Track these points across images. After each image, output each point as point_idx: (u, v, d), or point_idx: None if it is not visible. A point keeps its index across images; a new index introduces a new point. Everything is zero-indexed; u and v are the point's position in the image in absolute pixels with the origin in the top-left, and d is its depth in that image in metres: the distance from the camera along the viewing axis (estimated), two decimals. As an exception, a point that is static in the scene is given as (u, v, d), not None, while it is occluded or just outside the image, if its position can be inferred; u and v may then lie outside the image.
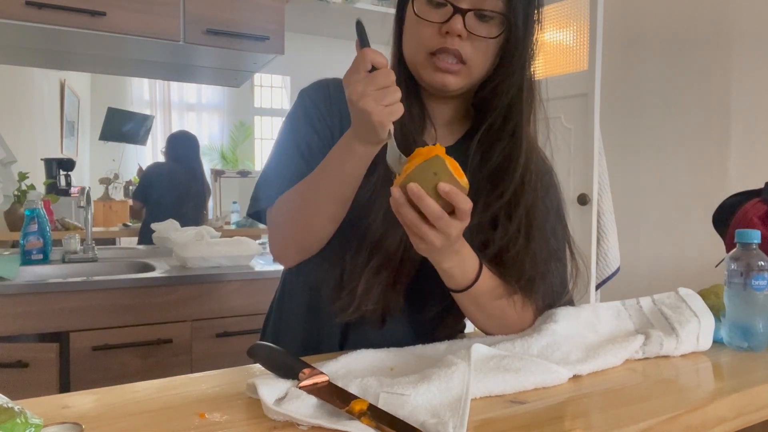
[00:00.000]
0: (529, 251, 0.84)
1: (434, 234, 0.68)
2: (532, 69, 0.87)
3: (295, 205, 0.84)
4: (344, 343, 0.93)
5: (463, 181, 0.67)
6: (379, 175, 0.84)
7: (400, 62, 0.90)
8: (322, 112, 0.91)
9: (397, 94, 0.70)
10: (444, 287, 0.85)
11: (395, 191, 0.67)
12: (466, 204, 0.67)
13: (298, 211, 0.84)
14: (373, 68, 0.71)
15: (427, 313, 0.91)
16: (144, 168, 2.65)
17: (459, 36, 0.80)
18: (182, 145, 2.67)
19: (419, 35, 0.83)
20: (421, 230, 0.68)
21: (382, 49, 0.92)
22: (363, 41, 0.73)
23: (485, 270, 0.81)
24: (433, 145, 0.68)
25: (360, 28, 0.74)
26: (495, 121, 0.88)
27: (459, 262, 0.77)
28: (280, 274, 1.06)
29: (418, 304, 0.91)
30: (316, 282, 0.90)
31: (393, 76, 0.70)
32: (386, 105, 0.69)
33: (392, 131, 0.71)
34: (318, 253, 0.89)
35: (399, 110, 0.70)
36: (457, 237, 0.71)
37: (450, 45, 0.81)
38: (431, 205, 0.66)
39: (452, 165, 0.66)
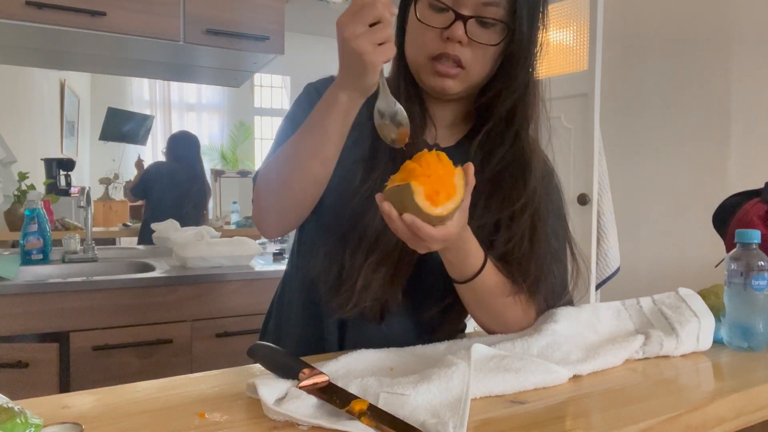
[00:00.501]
0: (533, 254, 0.84)
1: (417, 244, 0.70)
2: (536, 72, 0.87)
3: (277, 166, 0.83)
4: (343, 341, 0.93)
5: (442, 207, 0.67)
6: (378, 171, 0.84)
7: (401, 63, 0.90)
8: None
9: (389, 33, 0.68)
10: (445, 285, 0.85)
11: (384, 205, 0.68)
12: (430, 238, 0.67)
13: (279, 172, 0.82)
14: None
15: (427, 311, 0.91)
16: (143, 159, 2.64)
17: (459, 42, 0.80)
18: (183, 145, 2.67)
19: (421, 39, 0.84)
20: (409, 241, 0.70)
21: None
22: None
23: (490, 265, 0.81)
24: (431, 147, 0.68)
25: None
26: (497, 124, 0.88)
27: (463, 255, 0.78)
28: (280, 274, 1.06)
29: (418, 302, 0.91)
30: (315, 278, 0.90)
31: (387, 12, 0.68)
32: (378, 44, 0.68)
33: (383, 74, 0.71)
34: (317, 250, 0.89)
35: (391, 50, 0.69)
36: (444, 244, 0.71)
37: (450, 50, 0.81)
38: (399, 229, 0.67)
39: (434, 187, 0.66)
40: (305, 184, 0.81)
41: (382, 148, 0.85)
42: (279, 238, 0.89)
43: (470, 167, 0.70)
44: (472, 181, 0.70)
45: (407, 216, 0.66)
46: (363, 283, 0.83)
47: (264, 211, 0.86)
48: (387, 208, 0.66)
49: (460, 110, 0.94)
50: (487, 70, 0.85)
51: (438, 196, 0.66)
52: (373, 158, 0.86)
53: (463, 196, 0.68)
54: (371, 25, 0.67)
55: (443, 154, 0.69)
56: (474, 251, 0.79)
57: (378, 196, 0.69)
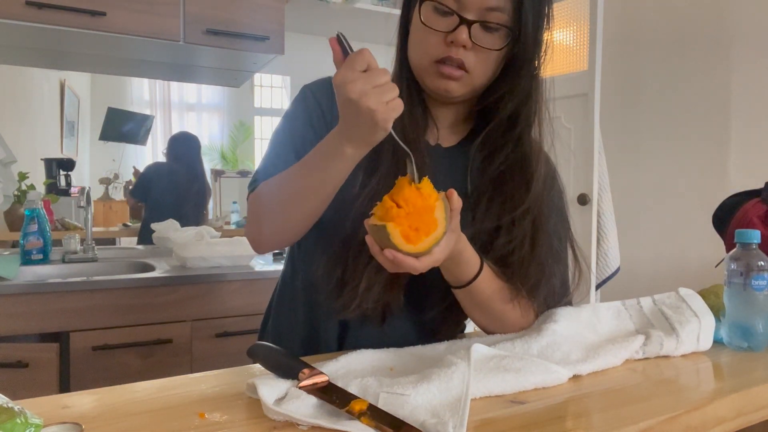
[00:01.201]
0: (533, 256, 0.84)
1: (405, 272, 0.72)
2: (540, 77, 0.87)
3: (275, 196, 0.84)
4: (343, 342, 0.93)
5: (420, 245, 0.68)
6: (380, 175, 0.85)
7: (403, 64, 0.90)
8: (322, 109, 0.92)
9: (396, 90, 0.69)
10: (445, 286, 0.85)
11: (367, 239, 0.70)
12: (414, 270, 0.70)
13: (277, 203, 0.83)
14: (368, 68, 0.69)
15: (428, 313, 0.91)
16: (139, 169, 2.64)
17: (463, 46, 0.80)
18: (183, 146, 2.67)
19: (425, 42, 0.84)
20: (397, 271, 0.71)
21: (383, 49, 0.92)
22: (345, 51, 0.71)
23: (486, 270, 0.81)
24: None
25: (342, 38, 0.72)
26: (499, 125, 0.88)
27: (456, 264, 0.79)
28: (279, 274, 1.06)
29: (418, 303, 0.91)
30: (317, 280, 0.90)
31: (389, 74, 0.70)
32: (387, 102, 0.68)
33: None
34: (319, 252, 0.89)
35: (400, 106, 0.69)
36: (436, 263, 0.72)
37: (454, 54, 0.81)
38: (383, 262, 0.70)
39: (415, 223, 0.68)
40: (303, 216, 0.83)
41: (384, 152, 0.85)
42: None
43: (453, 193, 0.71)
44: (458, 204, 0.71)
45: (388, 252, 0.68)
46: (366, 285, 0.84)
47: (259, 234, 0.88)
48: (370, 242, 0.69)
49: (462, 111, 0.94)
50: (490, 74, 0.85)
51: (417, 233, 0.68)
52: (374, 162, 0.86)
53: (445, 228, 0.70)
54: (376, 85, 0.67)
55: (425, 184, 0.70)
56: (469, 259, 0.79)
57: (366, 222, 0.70)
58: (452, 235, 0.72)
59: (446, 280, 0.83)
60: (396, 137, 0.72)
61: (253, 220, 0.88)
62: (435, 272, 0.84)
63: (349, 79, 0.66)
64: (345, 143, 0.73)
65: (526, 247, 0.84)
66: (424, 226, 0.68)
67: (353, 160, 0.75)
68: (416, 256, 0.68)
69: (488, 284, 0.82)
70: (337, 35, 0.71)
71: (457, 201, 0.71)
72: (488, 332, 0.89)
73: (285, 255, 1.06)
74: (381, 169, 0.85)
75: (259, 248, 0.90)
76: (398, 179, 0.72)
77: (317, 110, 0.91)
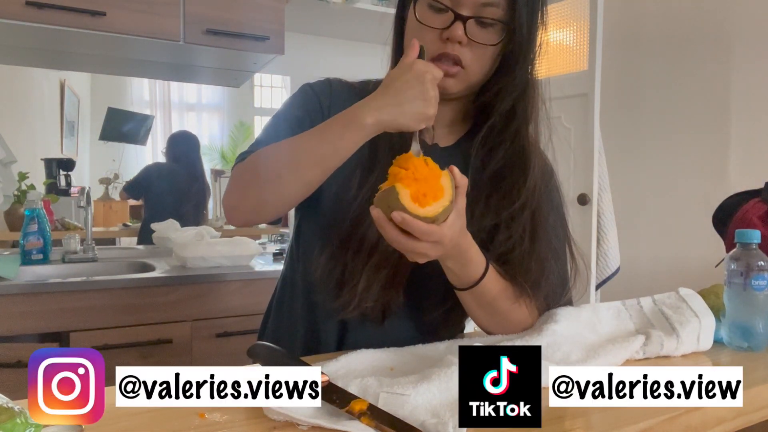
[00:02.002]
0: (533, 251, 0.84)
1: (412, 253, 0.70)
2: (535, 71, 0.87)
3: (272, 161, 0.81)
4: (343, 342, 0.93)
5: (430, 208, 0.67)
6: (378, 173, 0.85)
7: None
8: (321, 104, 0.92)
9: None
10: (446, 287, 0.85)
11: (373, 211, 0.69)
12: (424, 233, 0.67)
13: (274, 168, 0.80)
14: None
15: (428, 314, 0.91)
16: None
17: (459, 42, 0.81)
18: (182, 145, 2.67)
19: (420, 40, 0.83)
20: (401, 247, 0.70)
21: (383, 49, 0.92)
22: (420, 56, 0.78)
23: (492, 271, 0.81)
24: (430, 147, 0.69)
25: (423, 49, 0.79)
26: (497, 123, 0.88)
27: (464, 262, 0.78)
28: (279, 274, 1.06)
29: (419, 304, 0.91)
30: (316, 280, 0.90)
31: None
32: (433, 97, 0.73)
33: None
34: (318, 252, 0.89)
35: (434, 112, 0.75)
36: (440, 252, 0.71)
37: (450, 50, 0.81)
38: (389, 232, 0.68)
39: (421, 189, 0.67)
40: (298, 185, 0.79)
41: (381, 151, 0.85)
42: (246, 227, 0.88)
43: (455, 169, 0.70)
44: (462, 181, 0.70)
45: (396, 213, 0.66)
46: (365, 285, 0.84)
47: (242, 199, 0.84)
48: (376, 213, 0.67)
49: (459, 110, 0.94)
50: (486, 70, 0.85)
51: (425, 198, 0.67)
52: (372, 161, 0.86)
53: (452, 197, 0.68)
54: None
55: (429, 159, 0.70)
56: (475, 259, 0.78)
57: (371, 207, 0.69)
58: (459, 220, 0.71)
59: (452, 283, 0.82)
60: (416, 144, 0.74)
61: (239, 187, 0.84)
62: (435, 272, 0.84)
63: (421, 63, 0.74)
64: (369, 112, 0.73)
65: (526, 243, 0.84)
66: (431, 192, 0.67)
67: (368, 134, 0.74)
68: (428, 221, 0.67)
69: (494, 284, 0.81)
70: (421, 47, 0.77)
71: (461, 177, 0.70)
72: (490, 334, 0.89)
73: (285, 255, 1.07)
74: (378, 167, 0.85)
75: (238, 217, 0.85)
76: (402, 155, 0.71)
77: (316, 104, 0.92)
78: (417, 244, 0.68)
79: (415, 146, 0.73)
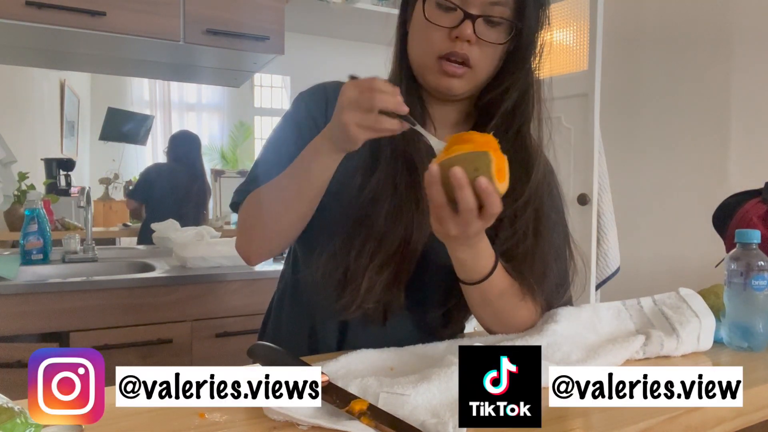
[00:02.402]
0: (537, 248, 0.84)
1: (454, 223, 0.68)
2: (537, 71, 0.87)
3: (262, 206, 0.86)
4: (343, 343, 0.93)
5: (502, 185, 0.65)
6: (379, 175, 0.85)
7: (402, 64, 0.90)
8: (314, 118, 0.92)
9: (381, 120, 0.70)
10: (447, 288, 0.85)
11: (433, 167, 0.66)
12: (494, 207, 0.66)
13: (266, 211, 0.85)
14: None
15: (429, 314, 0.91)
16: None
17: (468, 41, 0.81)
18: (183, 145, 2.67)
19: (428, 39, 0.84)
20: (443, 213, 0.68)
21: (383, 49, 0.92)
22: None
23: (500, 268, 0.81)
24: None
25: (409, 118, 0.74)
26: (500, 123, 0.88)
27: (473, 255, 0.77)
28: (279, 274, 1.06)
29: (420, 304, 0.91)
30: (317, 281, 0.90)
31: (384, 106, 0.70)
32: (361, 124, 0.70)
33: (416, 125, 0.72)
34: (319, 252, 0.89)
35: (375, 133, 0.72)
36: (475, 233, 0.70)
37: (459, 49, 0.81)
38: (467, 197, 0.64)
39: (498, 165, 0.65)
40: (294, 219, 0.85)
41: (383, 152, 0.85)
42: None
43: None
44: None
45: (484, 180, 0.63)
46: (367, 286, 0.84)
47: (249, 243, 0.90)
48: (460, 173, 0.63)
49: (462, 110, 0.94)
50: (492, 69, 0.86)
51: (501, 172, 0.65)
52: (373, 163, 0.86)
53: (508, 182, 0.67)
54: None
55: (495, 140, 0.68)
56: (486, 251, 0.78)
57: (435, 167, 0.65)
58: None
59: (460, 277, 0.81)
60: (427, 135, 0.73)
61: (243, 232, 0.90)
62: (436, 272, 0.84)
63: (343, 101, 0.71)
64: (326, 142, 0.76)
65: (530, 239, 0.84)
66: (501, 171, 0.65)
67: (332, 161, 0.78)
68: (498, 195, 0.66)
69: (501, 280, 0.81)
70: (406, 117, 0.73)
71: None
72: (492, 332, 0.89)
73: (285, 255, 1.07)
74: (380, 169, 0.85)
75: (250, 260, 0.91)
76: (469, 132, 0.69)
77: (308, 120, 0.92)
78: (476, 219, 0.67)
79: (434, 140, 0.72)
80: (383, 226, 0.84)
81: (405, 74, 0.89)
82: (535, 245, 0.84)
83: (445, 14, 0.82)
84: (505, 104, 0.87)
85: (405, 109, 0.71)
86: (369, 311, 0.86)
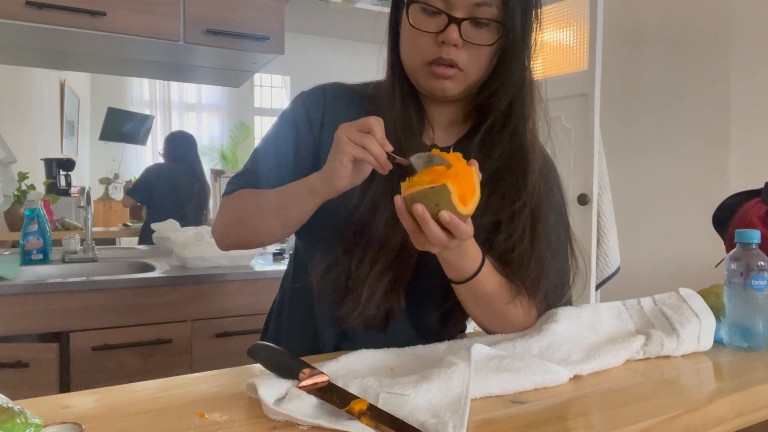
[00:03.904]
0: (533, 251, 0.84)
1: (431, 245, 0.71)
2: (531, 69, 0.87)
3: (248, 208, 0.89)
4: (343, 347, 0.93)
5: (470, 206, 0.68)
6: (377, 182, 0.84)
7: (395, 66, 0.89)
8: (311, 119, 0.93)
9: (366, 168, 0.75)
10: (444, 288, 0.85)
11: (397, 200, 0.69)
12: (463, 235, 0.69)
13: (247, 215, 0.89)
14: None
15: (428, 315, 0.91)
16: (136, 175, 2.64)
17: (455, 45, 0.80)
18: (180, 145, 2.67)
19: (415, 44, 0.83)
20: (418, 239, 0.71)
21: (377, 48, 0.92)
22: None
23: (489, 266, 0.81)
24: (429, 149, 0.69)
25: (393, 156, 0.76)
26: (495, 122, 0.88)
27: (458, 255, 0.78)
28: (279, 274, 1.06)
29: (417, 306, 0.91)
30: (318, 289, 0.90)
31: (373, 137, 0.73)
32: (342, 159, 0.73)
33: (408, 160, 0.74)
34: (319, 261, 0.89)
35: (356, 179, 0.76)
36: (456, 246, 0.72)
37: (446, 55, 0.81)
38: (433, 230, 0.68)
39: (462, 188, 0.67)
40: (263, 234, 0.89)
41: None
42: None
43: (476, 164, 0.72)
44: (479, 179, 0.71)
45: (445, 214, 0.66)
46: (368, 294, 0.84)
47: (224, 235, 0.94)
48: (420, 210, 0.66)
49: (458, 110, 0.93)
50: (483, 70, 0.85)
51: (465, 196, 0.67)
52: (372, 172, 0.86)
53: (480, 195, 0.69)
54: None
55: (459, 154, 0.70)
56: (472, 251, 0.79)
57: (398, 199, 0.69)
58: None
59: (448, 275, 0.82)
60: (414, 163, 0.74)
61: (223, 222, 0.94)
62: (432, 273, 0.84)
63: (347, 131, 0.74)
64: (316, 179, 0.79)
65: (526, 242, 0.84)
66: (468, 190, 0.68)
67: (318, 198, 0.80)
68: (464, 219, 0.68)
69: (490, 279, 0.81)
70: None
71: (479, 173, 0.72)
72: (489, 332, 0.89)
73: (288, 257, 1.07)
74: (378, 177, 0.85)
75: (222, 247, 0.97)
76: (434, 151, 0.72)
77: (306, 120, 0.93)
78: (451, 241, 0.70)
79: (418, 160, 0.73)
80: (383, 234, 0.84)
81: (399, 77, 0.89)
82: (532, 247, 0.84)
83: (430, 19, 0.81)
84: (499, 104, 0.86)
85: (389, 148, 0.74)
86: (370, 318, 0.86)
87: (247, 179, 0.93)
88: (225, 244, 0.95)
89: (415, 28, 0.82)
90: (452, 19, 0.79)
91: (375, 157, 0.72)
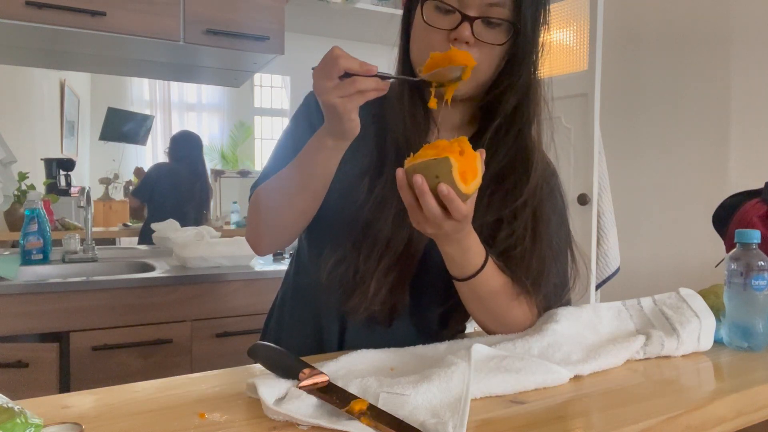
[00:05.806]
0: (535, 249, 0.84)
1: (427, 224, 0.70)
2: (538, 71, 0.87)
3: (269, 198, 0.88)
4: (343, 345, 0.93)
5: (472, 185, 0.67)
6: (385, 178, 0.85)
7: (405, 65, 0.90)
8: (322, 117, 0.92)
9: (357, 82, 0.70)
10: (446, 286, 0.85)
11: (399, 172, 0.69)
12: (458, 212, 0.68)
13: (272, 204, 0.87)
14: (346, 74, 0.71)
15: (430, 313, 0.91)
16: (143, 169, 2.64)
17: (467, 43, 0.81)
18: (185, 145, 2.67)
19: (427, 41, 0.84)
20: (415, 214, 0.70)
21: (384, 49, 0.92)
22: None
23: (491, 265, 0.81)
24: (456, 138, 0.69)
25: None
26: (502, 124, 0.88)
27: (461, 251, 0.78)
28: (280, 274, 1.06)
29: (420, 303, 0.91)
30: (325, 283, 0.90)
31: (349, 63, 0.70)
32: (344, 95, 0.70)
33: (391, 77, 0.73)
34: (327, 255, 0.89)
35: (360, 98, 0.71)
36: (453, 231, 0.71)
37: None
38: (430, 203, 0.67)
39: (464, 166, 0.67)
40: (296, 215, 0.87)
41: (388, 155, 0.86)
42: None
43: (484, 153, 0.72)
44: (483, 168, 0.71)
45: (444, 186, 0.66)
46: (375, 288, 0.85)
47: (258, 236, 0.93)
48: (420, 180, 0.66)
49: (465, 112, 0.94)
50: (493, 69, 0.86)
51: (466, 175, 0.67)
52: (380, 165, 0.86)
53: (481, 180, 0.69)
54: (341, 77, 0.70)
55: (465, 138, 0.70)
56: (475, 247, 0.78)
57: (400, 171, 0.69)
58: (474, 200, 0.72)
59: (451, 273, 0.82)
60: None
61: (252, 224, 0.93)
62: (435, 270, 0.84)
63: (316, 81, 0.72)
64: (327, 136, 0.77)
65: (528, 240, 0.84)
66: (470, 171, 0.68)
67: (334, 152, 0.79)
68: (464, 199, 0.68)
69: (493, 277, 0.81)
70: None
71: (483, 165, 0.71)
72: (489, 331, 0.89)
73: (288, 256, 1.07)
74: (386, 172, 0.85)
75: (259, 251, 0.94)
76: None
77: (319, 115, 0.92)
78: (446, 220, 0.69)
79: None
80: (390, 230, 0.84)
81: (409, 76, 0.89)
82: (533, 245, 0.84)
83: (443, 16, 0.82)
84: (507, 105, 0.87)
85: (373, 68, 0.71)
86: (375, 313, 0.86)
87: (266, 179, 0.92)
88: (261, 250, 0.93)
89: (428, 25, 0.83)
90: (465, 17, 0.80)
91: (374, 90, 0.71)
